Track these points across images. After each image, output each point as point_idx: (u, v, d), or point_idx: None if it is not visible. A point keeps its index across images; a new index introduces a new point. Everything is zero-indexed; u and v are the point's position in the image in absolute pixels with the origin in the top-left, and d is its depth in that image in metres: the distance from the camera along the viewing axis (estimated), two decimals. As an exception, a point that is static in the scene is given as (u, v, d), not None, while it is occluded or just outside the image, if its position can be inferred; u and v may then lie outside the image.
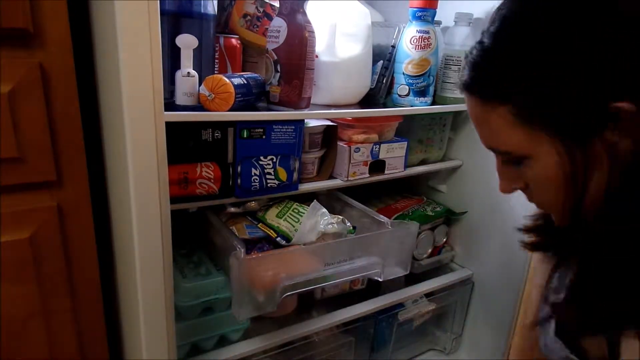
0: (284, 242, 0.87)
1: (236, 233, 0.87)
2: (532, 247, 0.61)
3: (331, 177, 0.98)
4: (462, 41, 1.06)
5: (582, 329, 0.49)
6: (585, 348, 0.50)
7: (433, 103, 1.07)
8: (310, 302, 1.05)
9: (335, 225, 0.89)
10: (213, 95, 0.72)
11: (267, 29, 0.84)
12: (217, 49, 0.82)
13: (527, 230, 0.61)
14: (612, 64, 0.41)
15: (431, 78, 1.02)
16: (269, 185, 0.85)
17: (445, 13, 1.08)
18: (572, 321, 0.50)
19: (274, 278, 0.81)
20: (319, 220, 0.88)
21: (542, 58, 0.43)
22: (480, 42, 0.48)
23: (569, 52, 0.42)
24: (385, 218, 0.99)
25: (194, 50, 0.71)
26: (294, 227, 0.88)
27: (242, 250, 0.78)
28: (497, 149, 0.51)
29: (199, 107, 0.74)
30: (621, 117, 0.41)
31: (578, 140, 0.44)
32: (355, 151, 0.96)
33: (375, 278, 0.94)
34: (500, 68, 0.46)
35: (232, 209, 0.91)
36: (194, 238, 0.97)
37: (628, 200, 0.44)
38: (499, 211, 1.13)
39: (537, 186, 0.50)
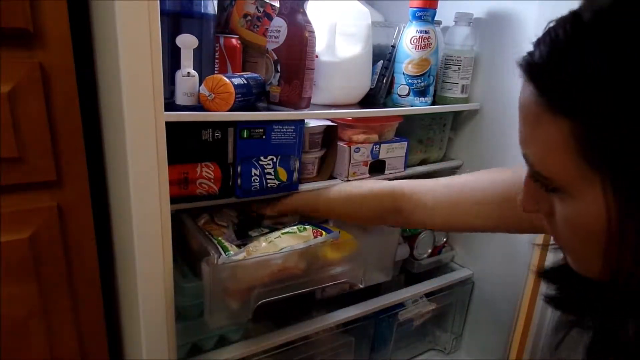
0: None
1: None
2: (555, 304, 0.49)
3: (331, 177, 0.98)
4: (462, 41, 1.06)
5: None
6: None
7: (433, 103, 1.07)
8: (310, 302, 1.05)
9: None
10: (213, 95, 0.72)
11: (267, 29, 0.84)
12: (217, 49, 0.82)
13: (546, 275, 0.50)
14: None
15: (431, 78, 1.02)
16: (269, 185, 0.85)
17: (445, 13, 1.08)
18: None
19: (249, 285, 0.76)
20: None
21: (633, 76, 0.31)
22: (578, 19, 0.34)
23: None
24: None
25: (194, 50, 0.71)
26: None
27: (216, 255, 0.75)
28: (532, 162, 0.39)
29: (199, 107, 0.74)
30: None
31: (633, 197, 0.33)
32: (355, 151, 0.96)
33: (357, 284, 0.91)
34: (592, 74, 0.32)
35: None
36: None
37: None
38: (499, 211, 1.13)
39: (565, 227, 0.39)
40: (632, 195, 0.33)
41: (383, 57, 1.02)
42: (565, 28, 0.35)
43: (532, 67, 0.37)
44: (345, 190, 0.88)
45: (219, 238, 0.82)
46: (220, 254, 0.76)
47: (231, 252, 0.78)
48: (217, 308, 0.75)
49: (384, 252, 0.96)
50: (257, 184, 0.84)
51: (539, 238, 0.86)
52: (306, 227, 0.84)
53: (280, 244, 0.80)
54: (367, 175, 1.00)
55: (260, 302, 0.78)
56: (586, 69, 0.32)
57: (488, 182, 0.72)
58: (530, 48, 0.38)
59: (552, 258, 0.52)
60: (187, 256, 0.89)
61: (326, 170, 0.97)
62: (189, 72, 0.72)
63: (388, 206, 0.82)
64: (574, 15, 0.35)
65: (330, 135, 0.97)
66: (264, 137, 0.82)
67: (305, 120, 0.89)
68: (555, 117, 0.35)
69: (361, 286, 0.92)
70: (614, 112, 0.32)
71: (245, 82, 0.77)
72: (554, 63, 0.35)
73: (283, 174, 0.86)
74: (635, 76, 0.31)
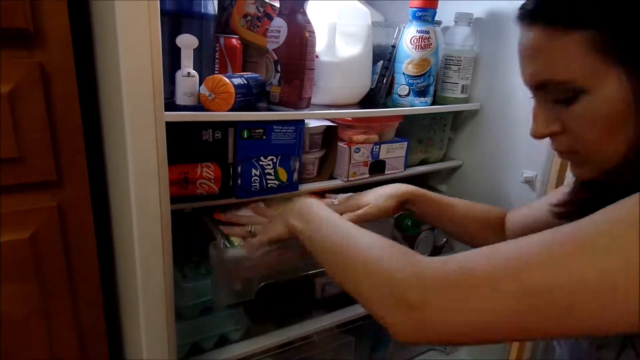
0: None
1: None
2: (559, 216, 0.59)
3: (331, 177, 0.98)
4: (462, 41, 1.06)
5: None
6: None
7: (433, 103, 1.07)
8: (310, 302, 1.05)
9: None
10: (213, 95, 0.71)
11: (267, 29, 0.84)
12: (217, 49, 0.82)
13: (559, 204, 0.59)
14: None
15: (431, 78, 1.02)
16: (269, 185, 0.85)
17: (445, 13, 1.09)
18: None
19: (252, 268, 0.81)
20: None
21: None
22: None
23: None
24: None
25: (194, 50, 0.71)
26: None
27: (222, 240, 0.79)
28: (555, 80, 0.47)
29: (199, 107, 0.74)
30: None
31: None
32: (355, 151, 0.96)
33: None
34: None
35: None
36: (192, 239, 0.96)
37: None
38: (499, 211, 1.13)
39: (587, 125, 0.47)
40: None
41: (383, 57, 1.02)
42: None
43: (535, 13, 0.46)
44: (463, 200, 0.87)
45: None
46: (226, 242, 0.79)
47: (235, 244, 0.80)
48: (224, 289, 0.80)
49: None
50: (257, 184, 0.84)
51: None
52: None
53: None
54: (367, 175, 1.00)
55: (263, 284, 0.82)
56: None
57: None
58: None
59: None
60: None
61: (326, 170, 0.97)
62: (189, 72, 0.72)
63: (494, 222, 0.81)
64: None
65: (330, 136, 0.97)
66: (264, 137, 0.82)
67: (306, 121, 0.89)
68: (568, 34, 0.44)
69: None
70: (620, 16, 0.42)
71: (246, 82, 0.77)
72: (554, 3, 0.45)
73: (283, 174, 0.86)
74: None
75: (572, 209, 0.58)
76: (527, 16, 0.47)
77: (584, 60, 0.44)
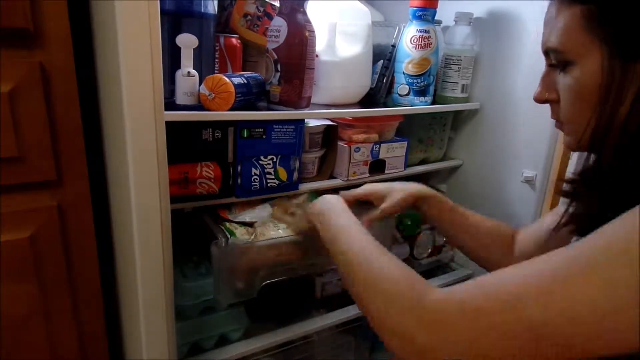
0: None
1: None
2: (564, 194, 0.59)
3: (331, 176, 0.98)
4: (463, 41, 1.06)
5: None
6: None
7: (433, 102, 1.07)
8: (310, 302, 1.05)
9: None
10: (213, 95, 0.71)
11: (267, 28, 0.84)
12: (217, 48, 0.82)
13: (568, 181, 0.60)
14: None
15: (431, 77, 1.02)
16: (269, 185, 0.85)
17: (445, 13, 1.08)
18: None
19: (254, 266, 0.82)
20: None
21: None
22: None
23: None
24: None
25: (194, 49, 0.71)
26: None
27: (223, 239, 0.79)
28: (552, 47, 0.51)
29: (199, 106, 0.74)
30: None
31: (623, 56, 0.45)
32: (355, 151, 0.96)
33: None
34: None
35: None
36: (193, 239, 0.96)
37: None
38: (499, 211, 1.13)
39: (569, 96, 0.51)
40: (618, 46, 0.45)
41: (383, 57, 1.02)
42: None
43: None
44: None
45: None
46: (227, 237, 0.80)
47: (237, 235, 0.81)
48: (226, 288, 0.79)
49: (380, 237, 0.96)
50: (257, 183, 0.84)
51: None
52: None
53: (287, 231, 0.83)
54: (367, 174, 1.00)
55: (264, 283, 0.82)
56: None
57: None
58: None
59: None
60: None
61: (326, 169, 0.97)
62: (189, 72, 0.72)
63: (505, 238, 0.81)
64: None
65: (330, 135, 0.97)
66: (264, 136, 0.82)
67: (306, 120, 0.89)
68: (570, 6, 0.48)
69: None
70: None
71: (246, 81, 0.77)
72: None
73: (283, 174, 0.86)
74: None
75: (577, 188, 0.59)
76: None
77: (576, 33, 0.48)
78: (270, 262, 0.83)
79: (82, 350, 0.83)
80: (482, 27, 1.09)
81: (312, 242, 0.78)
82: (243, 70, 0.86)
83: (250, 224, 0.86)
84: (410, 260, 1.19)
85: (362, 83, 0.99)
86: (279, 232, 0.84)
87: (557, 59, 0.51)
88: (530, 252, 0.73)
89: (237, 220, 0.86)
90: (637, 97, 0.45)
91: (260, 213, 0.88)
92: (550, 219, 0.71)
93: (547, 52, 0.53)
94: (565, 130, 0.55)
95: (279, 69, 0.81)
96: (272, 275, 0.83)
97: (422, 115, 1.11)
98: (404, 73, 1.01)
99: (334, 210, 0.68)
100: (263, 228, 0.84)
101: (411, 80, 1.01)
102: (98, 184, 0.82)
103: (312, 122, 0.93)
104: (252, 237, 0.82)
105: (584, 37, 0.47)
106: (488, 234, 0.82)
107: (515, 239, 0.79)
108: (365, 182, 1.00)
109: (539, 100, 0.56)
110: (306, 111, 0.85)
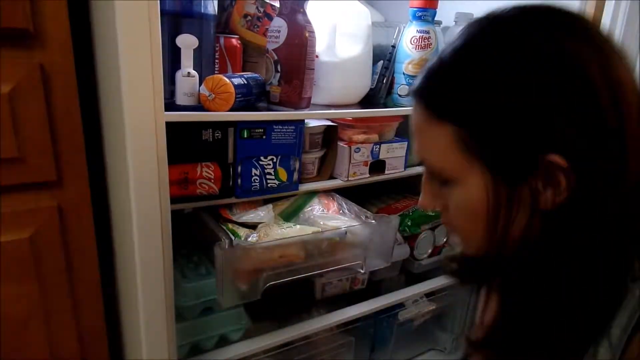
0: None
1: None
2: (451, 274, 0.61)
3: (331, 177, 0.98)
4: (463, 41, 1.06)
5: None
6: None
7: (433, 103, 1.07)
8: (310, 302, 1.05)
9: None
10: (213, 95, 0.71)
11: (267, 29, 0.84)
12: (217, 49, 0.82)
13: (450, 259, 0.60)
14: (548, 117, 0.40)
15: (431, 78, 1.02)
16: (269, 185, 0.85)
17: (445, 13, 1.08)
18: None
19: (257, 268, 0.81)
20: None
21: (491, 92, 0.42)
22: (442, 55, 0.46)
23: (511, 95, 0.41)
24: (368, 212, 0.98)
25: (194, 50, 0.71)
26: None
27: (227, 241, 0.79)
28: (429, 165, 0.50)
29: (199, 107, 0.74)
30: (549, 169, 0.41)
31: (507, 181, 0.43)
32: (355, 151, 0.96)
33: (358, 270, 0.94)
34: (456, 87, 0.44)
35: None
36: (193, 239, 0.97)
37: (541, 250, 0.44)
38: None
39: (457, 212, 0.49)
40: (499, 170, 0.43)
41: (383, 57, 1.02)
42: (434, 63, 0.46)
43: (420, 93, 0.47)
44: None
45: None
46: (231, 239, 0.80)
47: (240, 236, 0.81)
48: (229, 289, 0.79)
49: (384, 239, 0.96)
50: (257, 184, 0.84)
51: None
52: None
53: (290, 233, 0.83)
54: (367, 175, 1.00)
55: (268, 284, 0.82)
56: (453, 91, 0.44)
57: None
58: None
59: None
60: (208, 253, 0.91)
61: (326, 170, 0.97)
62: (189, 72, 0.72)
63: None
64: (440, 56, 0.46)
65: (330, 135, 0.97)
66: (264, 137, 0.82)
67: (306, 120, 0.89)
68: (441, 124, 0.45)
69: (362, 271, 0.94)
70: (476, 112, 0.43)
71: (246, 82, 0.77)
72: (433, 89, 0.46)
73: (283, 174, 0.86)
74: (472, 85, 0.43)
75: (462, 271, 0.59)
76: (413, 92, 0.49)
77: (452, 153, 0.45)
78: (275, 264, 0.82)
79: (82, 350, 0.83)
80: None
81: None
82: (243, 71, 0.86)
83: (253, 225, 0.87)
84: (410, 260, 1.19)
85: (362, 83, 0.99)
86: (283, 232, 0.83)
87: (436, 176, 0.49)
88: None
89: (240, 220, 0.86)
90: (531, 215, 0.44)
91: (262, 214, 0.88)
92: None
93: (422, 163, 0.51)
94: (459, 240, 0.53)
95: (279, 69, 0.81)
96: (275, 277, 0.83)
97: (422, 116, 1.11)
98: (404, 73, 1.01)
99: None
100: (267, 229, 0.84)
101: (411, 81, 1.00)
102: (98, 184, 0.82)
103: (312, 123, 0.93)
104: (256, 238, 0.81)
105: (463, 158, 0.44)
106: None
107: None
108: (365, 183, 1.01)
109: (427, 209, 0.53)
110: (306, 112, 0.85)
